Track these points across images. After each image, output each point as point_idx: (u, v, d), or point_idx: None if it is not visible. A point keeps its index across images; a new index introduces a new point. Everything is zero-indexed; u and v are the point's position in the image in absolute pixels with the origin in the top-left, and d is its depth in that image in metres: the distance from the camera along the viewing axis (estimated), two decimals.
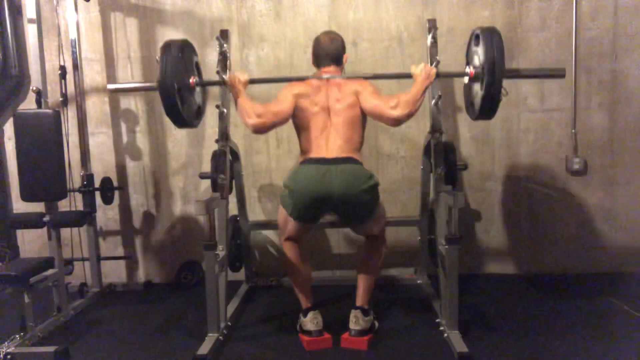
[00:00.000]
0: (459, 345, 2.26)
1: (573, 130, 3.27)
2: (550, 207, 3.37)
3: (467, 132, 3.35)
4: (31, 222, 2.80)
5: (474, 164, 3.33)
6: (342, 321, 2.47)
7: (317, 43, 2.58)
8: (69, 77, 3.17)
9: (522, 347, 2.35)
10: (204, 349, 2.30)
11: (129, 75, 3.41)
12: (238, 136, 3.33)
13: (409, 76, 2.47)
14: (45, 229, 2.83)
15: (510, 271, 3.42)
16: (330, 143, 2.41)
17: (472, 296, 3.01)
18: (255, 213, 3.44)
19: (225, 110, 2.71)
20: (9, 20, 3.25)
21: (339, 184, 2.30)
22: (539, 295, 3.05)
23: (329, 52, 2.54)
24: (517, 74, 2.74)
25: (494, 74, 2.23)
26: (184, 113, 2.43)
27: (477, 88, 2.40)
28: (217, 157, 2.72)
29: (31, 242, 3.53)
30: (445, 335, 2.41)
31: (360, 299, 2.48)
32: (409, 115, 2.35)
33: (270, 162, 3.43)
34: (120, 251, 3.54)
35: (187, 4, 3.34)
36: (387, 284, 3.23)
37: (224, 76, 2.64)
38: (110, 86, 2.91)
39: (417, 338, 2.48)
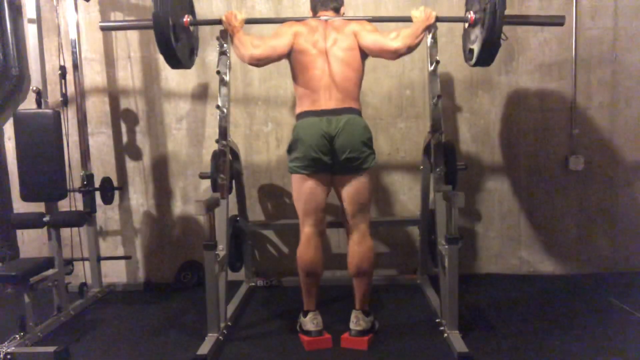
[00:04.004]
0: (459, 345, 2.27)
1: (573, 131, 3.27)
2: (550, 207, 3.37)
3: (467, 132, 3.35)
4: (31, 222, 2.80)
5: (474, 164, 3.33)
6: (342, 321, 2.48)
7: None
8: (69, 77, 3.17)
9: (522, 347, 2.35)
10: (204, 349, 2.30)
11: (129, 75, 3.41)
12: (238, 136, 3.34)
13: (409, 19, 2.48)
14: (45, 229, 2.83)
15: (510, 271, 3.42)
16: (329, 92, 2.38)
17: (472, 296, 3.01)
18: (255, 213, 3.44)
19: (225, 110, 2.71)
20: (9, 20, 3.26)
21: (339, 133, 2.31)
22: (539, 295, 3.05)
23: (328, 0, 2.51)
24: (516, 20, 2.73)
25: (495, 17, 2.24)
26: (178, 51, 2.41)
27: (477, 34, 2.41)
28: (217, 157, 2.72)
29: (31, 242, 3.53)
30: (445, 335, 2.41)
31: (359, 302, 2.46)
32: (409, 48, 2.36)
33: (270, 162, 3.43)
34: (120, 251, 3.53)
35: None
36: (387, 284, 3.23)
37: (224, 77, 2.62)
38: (102, 24, 2.80)
39: (417, 338, 2.48)
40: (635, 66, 3.25)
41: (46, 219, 2.75)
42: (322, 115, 2.35)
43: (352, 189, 2.44)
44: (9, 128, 3.43)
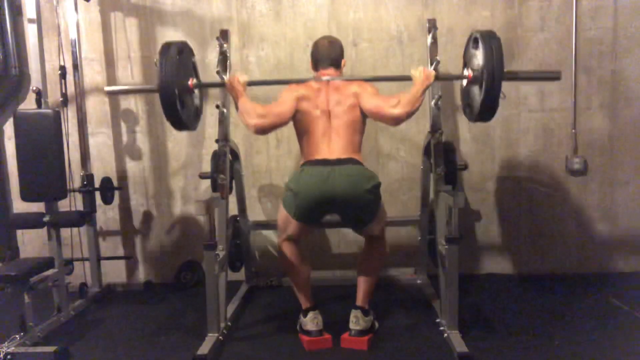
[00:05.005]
0: (459, 345, 2.27)
1: (573, 130, 3.27)
2: (550, 207, 3.37)
3: (467, 132, 3.35)
4: (31, 222, 2.80)
5: (474, 164, 3.33)
6: (342, 321, 2.47)
7: (316, 47, 2.59)
8: (69, 77, 3.17)
9: (522, 347, 2.35)
10: (204, 349, 2.30)
11: (129, 75, 3.41)
12: (238, 136, 3.33)
13: (408, 78, 2.46)
14: (45, 229, 2.83)
15: (510, 271, 3.42)
16: (331, 145, 2.42)
17: (472, 296, 3.01)
18: (255, 213, 3.44)
19: (225, 110, 2.71)
20: (9, 20, 3.25)
21: (342, 184, 2.30)
22: (539, 295, 3.05)
23: (328, 55, 2.54)
24: (515, 77, 2.74)
25: (494, 78, 2.23)
26: (183, 116, 2.43)
27: (475, 91, 2.40)
28: (217, 157, 2.72)
29: (31, 242, 3.53)
30: (445, 335, 2.41)
31: (360, 299, 2.48)
32: (409, 114, 2.36)
33: (270, 162, 3.43)
34: (120, 251, 3.54)
35: (187, 4, 3.34)
36: (387, 284, 3.23)
37: (223, 77, 2.64)
38: (108, 89, 2.86)
39: (417, 338, 2.49)
40: (635, 66, 3.25)
41: (46, 219, 2.75)
42: (324, 164, 2.36)
43: (364, 230, 2.52)
44: (9, 128, 3.42)
